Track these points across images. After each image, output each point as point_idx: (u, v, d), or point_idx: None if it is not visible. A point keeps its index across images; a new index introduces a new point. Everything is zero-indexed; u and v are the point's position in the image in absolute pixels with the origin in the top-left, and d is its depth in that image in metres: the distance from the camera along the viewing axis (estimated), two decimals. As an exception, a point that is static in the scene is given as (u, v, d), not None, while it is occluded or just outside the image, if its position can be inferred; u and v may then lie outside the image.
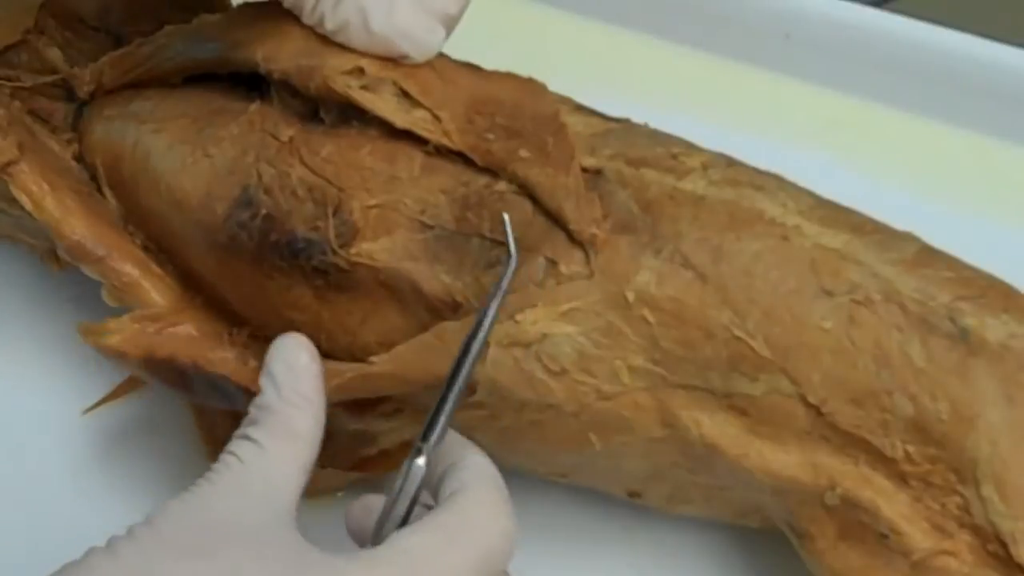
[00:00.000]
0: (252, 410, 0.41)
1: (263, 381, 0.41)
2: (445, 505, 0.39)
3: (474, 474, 0.40)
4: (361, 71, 0.47)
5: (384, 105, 0.47)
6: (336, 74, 0.47)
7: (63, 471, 0.53)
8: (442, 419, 0.41)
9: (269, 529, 0.38)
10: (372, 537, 0.40)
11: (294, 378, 0.41)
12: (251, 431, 0.40)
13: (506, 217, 0.44)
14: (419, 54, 0.47)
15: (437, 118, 0.46)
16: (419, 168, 0.46)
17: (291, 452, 0.40)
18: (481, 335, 0.42)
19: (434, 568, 0.37)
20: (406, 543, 0.38)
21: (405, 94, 0.46)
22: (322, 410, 0.41)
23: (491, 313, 0.42)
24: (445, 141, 0.46)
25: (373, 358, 0.45)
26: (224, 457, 0.39)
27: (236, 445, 0.40)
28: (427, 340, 0.44)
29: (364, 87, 0.47)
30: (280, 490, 0.39)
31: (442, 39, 0.47)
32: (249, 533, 0.37)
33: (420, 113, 0.46)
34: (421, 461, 0.40)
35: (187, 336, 0.48)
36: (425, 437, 0.40)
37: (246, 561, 0.36)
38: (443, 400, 0.41)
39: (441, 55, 0.48)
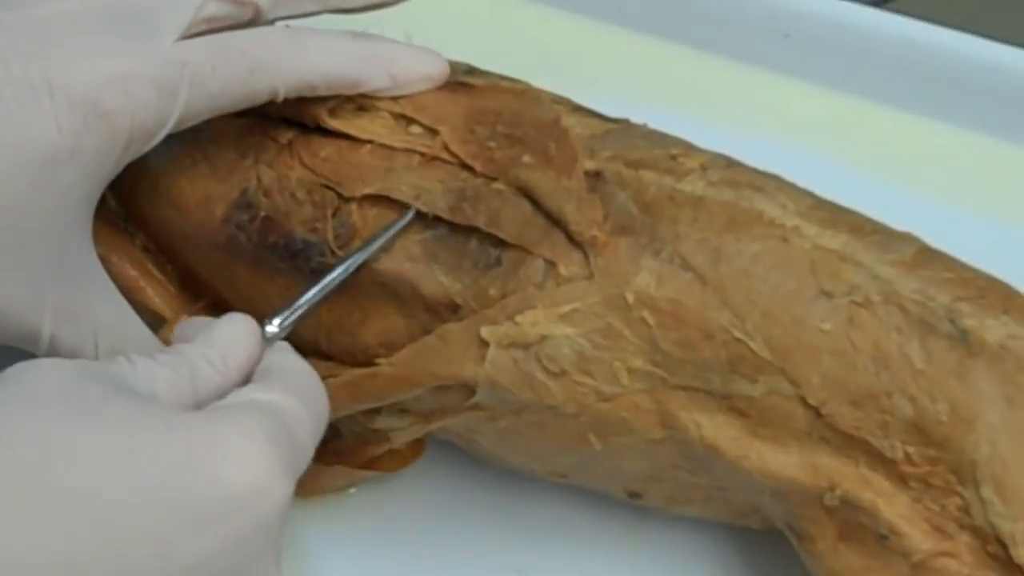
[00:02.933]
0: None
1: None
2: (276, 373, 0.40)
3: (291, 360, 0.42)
4: (349, 98, 0.47)
5: (381, 129, 0.47)
6: (324, 111, 0.47)
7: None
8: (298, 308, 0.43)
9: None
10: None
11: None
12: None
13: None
14: None
15: (435, 132, 0.46)
16: (417, 164, 0.46)
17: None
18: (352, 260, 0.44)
19: (284, 417, 0.38)
20: (250, 395, 0.38)
21: (401, 115, 0.47)
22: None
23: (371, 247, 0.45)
24: (444, 155, 0.46)
25: (379, 360, 0.45)
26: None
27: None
28: (430, 343, 0.44)
29: (360, 108, 0.47)
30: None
31: None
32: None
33: (417, 130, 0.46)
34: (271, 328, 0.42)
35: None
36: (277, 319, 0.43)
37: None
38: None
39: None
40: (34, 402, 0.35)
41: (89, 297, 0.44)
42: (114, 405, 0.36)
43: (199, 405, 0.39)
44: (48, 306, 0.42)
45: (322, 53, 0.46)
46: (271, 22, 0.47)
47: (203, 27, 0.44)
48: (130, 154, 0.44)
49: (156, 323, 0.50)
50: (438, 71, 0.48)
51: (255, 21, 0.46)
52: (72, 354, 0.44)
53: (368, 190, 0.46)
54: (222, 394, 0.39)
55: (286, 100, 0.46)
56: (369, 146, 0.46)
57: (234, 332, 0.41)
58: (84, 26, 0.43)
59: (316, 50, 0.46)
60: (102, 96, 0.42)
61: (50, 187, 0.42)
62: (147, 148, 0.44)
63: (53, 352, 0.43)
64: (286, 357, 0.41)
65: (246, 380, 0.41)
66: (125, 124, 0.43)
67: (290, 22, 0.48)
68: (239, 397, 0.38)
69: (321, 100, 0.47)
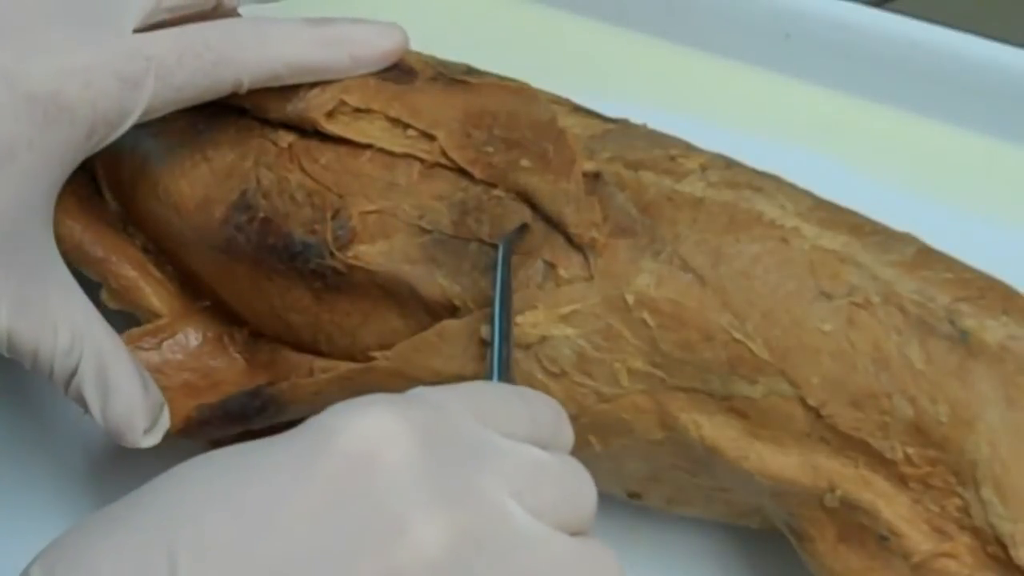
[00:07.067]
0: None
1: None
2: None
3: None
4: (344, 103, 0.47)
5: (379, 132, 0.47)
6: (321, 115, 0.47)
7: (64, 470, 0.53)
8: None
9: None
10: None
11: None
12: None
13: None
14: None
15: (431, 137, 0.46)
16: (417, 174, 0.46)
17: None
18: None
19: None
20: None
21: (397, 120, 0.47)
22: None
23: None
24: (442, 160, 0.46)
25: (375, 353, 0.45)
26: None
27: None
28: (428, 338, 0.44)
29: (357, 110, 0.47)
30: None
31: None
32: None
33: (414, 133, 0.46)
34: None
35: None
36: None
37: None
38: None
39: (428, 80, 0.48)
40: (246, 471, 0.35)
41: (48, 289, 0.43)
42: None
43: None
44: (4, 298, 0.42)
45: (284, 42, 0.46)
46: (234, 10, 0.47)
47: (164, 16, 0.44)
48: (92, 144, 0.43)
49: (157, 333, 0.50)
50: (396, 44, 0.48)
51: (218, 10, 0.46)
52: (31, 346, 0.43)
53: (371, 207, 0.46)
54: None
55: (284, 107, 0.46)
56: (369, 153, 0.46)
57: None
58: (46, 17, 0.42)
59: (278, 39, 0.46)
60: (63, 88, 0.42)
61: (7, 179, 0.41)
62: (111, 139, 0.44)
63: (12, 346, 0.43)
64: None
65: None
66: (87, 116, 0.42)
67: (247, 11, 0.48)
68: None
69: (318, 104, 0.47)
